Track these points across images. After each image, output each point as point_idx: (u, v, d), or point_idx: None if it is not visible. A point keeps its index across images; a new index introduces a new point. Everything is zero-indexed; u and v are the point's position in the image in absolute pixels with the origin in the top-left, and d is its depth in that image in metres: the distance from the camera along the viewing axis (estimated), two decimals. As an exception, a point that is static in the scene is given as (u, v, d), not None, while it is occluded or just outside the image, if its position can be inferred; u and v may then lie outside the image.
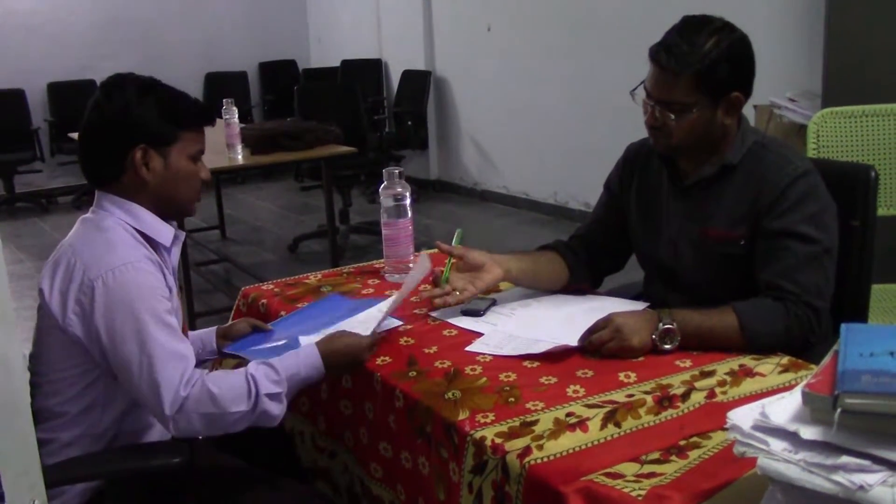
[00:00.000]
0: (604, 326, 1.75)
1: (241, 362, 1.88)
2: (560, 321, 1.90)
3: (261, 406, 1.67)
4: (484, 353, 1.77)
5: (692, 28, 1.84)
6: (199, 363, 1.99)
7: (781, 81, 4.20)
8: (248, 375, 1.67)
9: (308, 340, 1.86)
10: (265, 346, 1.94)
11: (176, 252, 1.84)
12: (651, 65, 1.86)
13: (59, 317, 1.66)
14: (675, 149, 1.91)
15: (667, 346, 1.73)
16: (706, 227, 1.92)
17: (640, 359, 1.71)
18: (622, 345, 1.71)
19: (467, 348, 1.80)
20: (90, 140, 1.79)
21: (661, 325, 1.73)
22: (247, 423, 1.68)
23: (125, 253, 1.68)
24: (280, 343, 1.93)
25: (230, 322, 2.15)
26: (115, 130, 1.74)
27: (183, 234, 1.86)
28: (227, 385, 1.66)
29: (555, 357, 1.72)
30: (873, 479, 0.97)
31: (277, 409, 1.69)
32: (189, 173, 1.79)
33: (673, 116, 1.83)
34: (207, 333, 2.06)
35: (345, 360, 1.77)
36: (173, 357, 1.64)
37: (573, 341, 1.75)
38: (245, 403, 1.65)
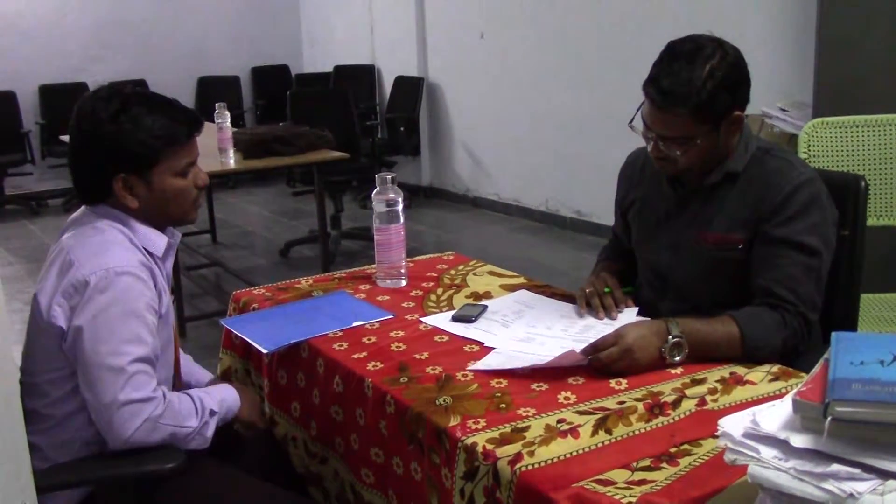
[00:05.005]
0: (613, 343, 1.69)
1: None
2: (558, 332, 1.89)
3: (205, 424, 1.72)
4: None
5: (683, 58, 1.76)
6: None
7: (773, 91, 4.22)
8: (195, 398, 1.73)
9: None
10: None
11: (170, 258, 1.82)
12: (646, 100, 1.81)
13: (44, 309, 1.64)
14: (683, 173, 1.90)
15: (676, 359, 1.70)
16: (705, 232, 1.90)
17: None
18: (633, 363, 1.67)
19: (471, 367, 1.74)
20: (73, 165, 1.75)
21: (670, 338, 1.70)
22: (192, 442, 1.70)
23: (121, 256, 1.66)
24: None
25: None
26: (91, 160, 1.69)
27: (178, 240, 1.83)
28: (182, 404, 1.70)
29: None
30: (863, 487, 0.97)
31: (209, 433, 1.74)
32: (178, 190, 1.73)
33: (679, 152, 1.81)
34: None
35: (252, 413, 1.89)
36: (144, 372, 1.64)
37: (577, 356, 1.70)
38: (195, 420, 1.70)
